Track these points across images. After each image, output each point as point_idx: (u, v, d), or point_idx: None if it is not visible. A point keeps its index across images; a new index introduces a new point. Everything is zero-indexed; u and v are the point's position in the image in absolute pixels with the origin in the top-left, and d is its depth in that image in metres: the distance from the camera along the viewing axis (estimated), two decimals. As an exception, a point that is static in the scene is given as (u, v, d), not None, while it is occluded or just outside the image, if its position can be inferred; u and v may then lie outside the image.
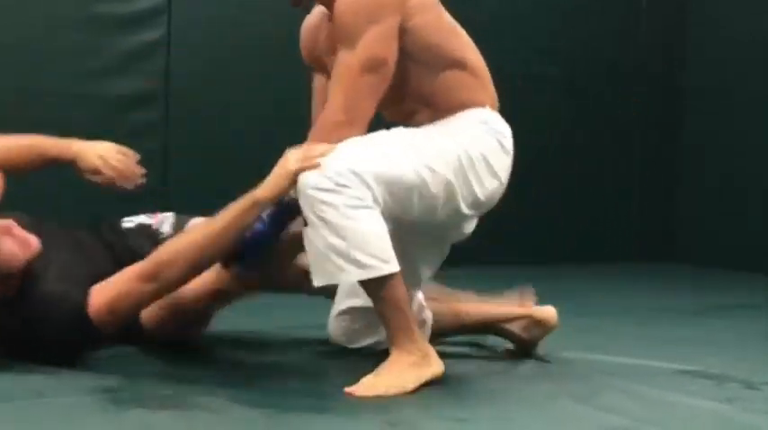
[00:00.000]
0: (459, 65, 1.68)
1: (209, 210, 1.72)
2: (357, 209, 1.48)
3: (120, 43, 3.25)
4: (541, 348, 1.93)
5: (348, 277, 1.52)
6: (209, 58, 3.39)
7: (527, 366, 1.86)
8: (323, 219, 1.48)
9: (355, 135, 1.56)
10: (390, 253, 1.51)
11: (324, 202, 1.46)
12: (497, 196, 1.72)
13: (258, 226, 1.63)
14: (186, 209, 2.05)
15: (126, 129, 3.04)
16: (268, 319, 2.26)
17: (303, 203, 1.51)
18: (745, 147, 4.00)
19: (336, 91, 1.62)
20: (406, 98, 1.69)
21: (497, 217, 1.91)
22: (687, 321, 2.64)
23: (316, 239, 1.50)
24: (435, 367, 1.60)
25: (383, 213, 1.53)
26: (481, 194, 1.65)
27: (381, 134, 1.62)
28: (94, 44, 3.18)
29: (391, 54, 1.58)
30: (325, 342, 1.93)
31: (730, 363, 1.91)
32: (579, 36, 4.02)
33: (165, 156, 3.27)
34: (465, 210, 1.64)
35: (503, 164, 1.69)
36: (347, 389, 1.52)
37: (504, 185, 1.72)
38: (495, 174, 1.67)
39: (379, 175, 1.50)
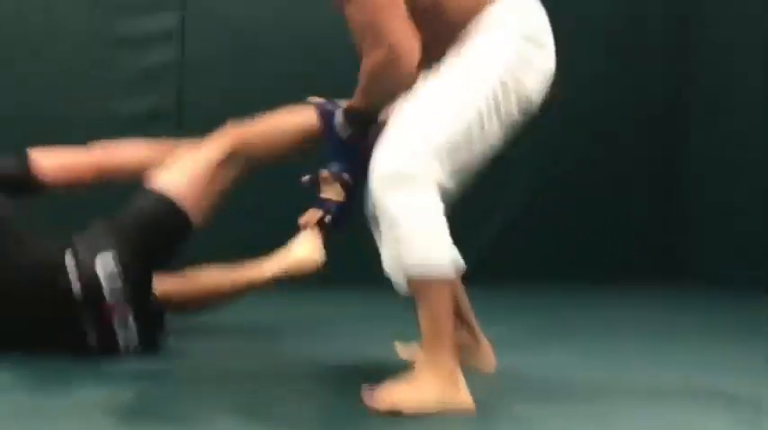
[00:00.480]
0: None
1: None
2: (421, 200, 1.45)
3: (135, 62, 3.34)
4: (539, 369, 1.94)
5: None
6: (223, 77, 3.48)
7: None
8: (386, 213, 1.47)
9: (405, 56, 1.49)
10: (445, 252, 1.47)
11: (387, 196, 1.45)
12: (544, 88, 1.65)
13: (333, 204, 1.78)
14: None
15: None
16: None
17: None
18: (746, 173, 3.90)
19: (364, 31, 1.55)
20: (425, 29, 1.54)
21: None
22: (691, 338, 2.61)
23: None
24: (464, 397, 1.48)
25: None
26: (528, 99, 1.59)
27: (423, 99, 1.53)
28: (110, 62, 3.27)
29: None
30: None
31: (742, 384, 1.87)
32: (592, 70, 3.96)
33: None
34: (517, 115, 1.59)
35: (539, 64, 1.61)
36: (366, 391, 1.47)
37: (550, 77, 1.65)
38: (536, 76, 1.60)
39: (442, 151, 1.46)
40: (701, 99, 4.23)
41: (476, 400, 1.48)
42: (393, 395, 1.44)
